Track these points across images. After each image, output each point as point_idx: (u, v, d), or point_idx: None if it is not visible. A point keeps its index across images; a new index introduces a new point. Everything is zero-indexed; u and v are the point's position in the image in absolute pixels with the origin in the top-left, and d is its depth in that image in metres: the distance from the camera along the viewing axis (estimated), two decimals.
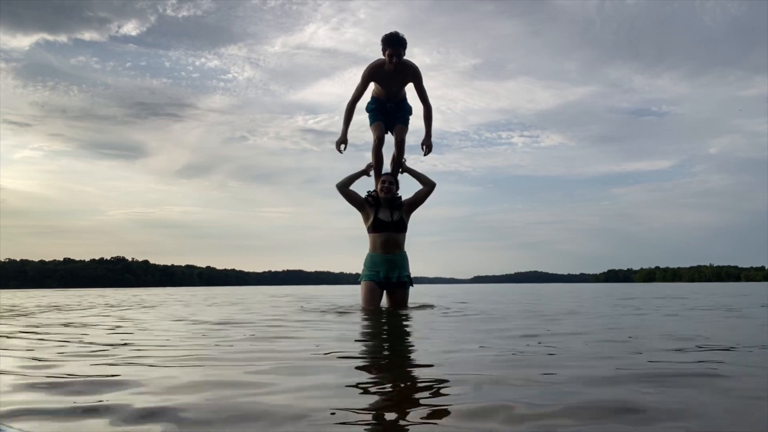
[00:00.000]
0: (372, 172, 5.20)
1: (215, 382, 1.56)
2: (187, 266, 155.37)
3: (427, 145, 5.11)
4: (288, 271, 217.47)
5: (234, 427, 1.12)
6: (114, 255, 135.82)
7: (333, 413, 1.20)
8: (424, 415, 1.19)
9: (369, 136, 5.17)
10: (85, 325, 3.64)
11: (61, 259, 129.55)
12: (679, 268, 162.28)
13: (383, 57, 4.81)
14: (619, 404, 1.26)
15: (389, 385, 1.55)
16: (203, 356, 2.09)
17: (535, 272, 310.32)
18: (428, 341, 2.59)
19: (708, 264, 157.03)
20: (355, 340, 2.66)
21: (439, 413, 1.20)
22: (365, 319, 3.98)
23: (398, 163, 5.15)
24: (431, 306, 5.47)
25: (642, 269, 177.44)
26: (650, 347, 2.22)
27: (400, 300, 4.99)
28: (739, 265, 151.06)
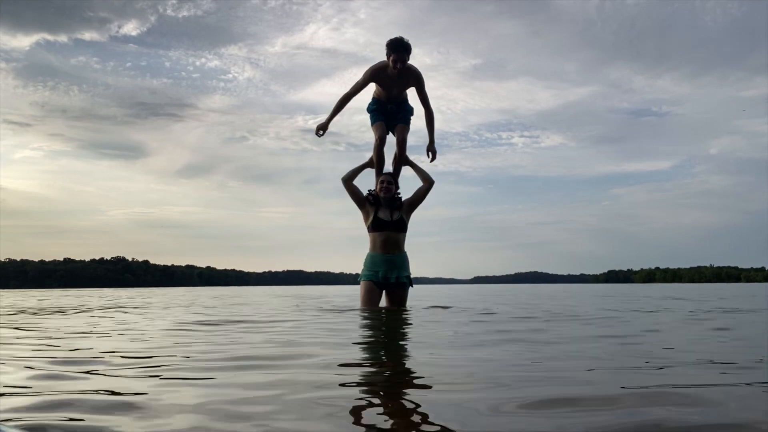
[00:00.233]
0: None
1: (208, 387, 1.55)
2: (187, 266, 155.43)
3: (431, 151, 5.15)
4: (288, 271, 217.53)
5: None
6: (114, 255, 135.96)
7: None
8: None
9: (369, 136, 5.17)
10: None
11: (62, 259, 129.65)
12: (679, 269, 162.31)
13: (387, 60, 4.82)
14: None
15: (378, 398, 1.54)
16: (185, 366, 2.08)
17: (535, 273, 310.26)
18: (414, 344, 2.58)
19: (708, 265, 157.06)
20: (354, 343, 2.66)
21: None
22: (363, 319, 3.97)
23: (400, 162, 5.15)
24: (443, 307, 5.45)
25: (642, 270, 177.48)
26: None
27: (398, 300, 4.97)
28: (740, 266, 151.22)
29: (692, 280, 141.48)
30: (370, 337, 2.86)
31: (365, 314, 4.37)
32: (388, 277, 4.91)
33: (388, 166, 5.18)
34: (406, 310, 4.75)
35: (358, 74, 5.02)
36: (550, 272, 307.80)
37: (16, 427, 1.11)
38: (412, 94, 5.15)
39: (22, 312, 5.44)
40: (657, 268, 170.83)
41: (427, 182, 5.09)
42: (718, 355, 2.05)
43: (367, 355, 2.15)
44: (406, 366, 1.90)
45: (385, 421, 1.17)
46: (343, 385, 1.51)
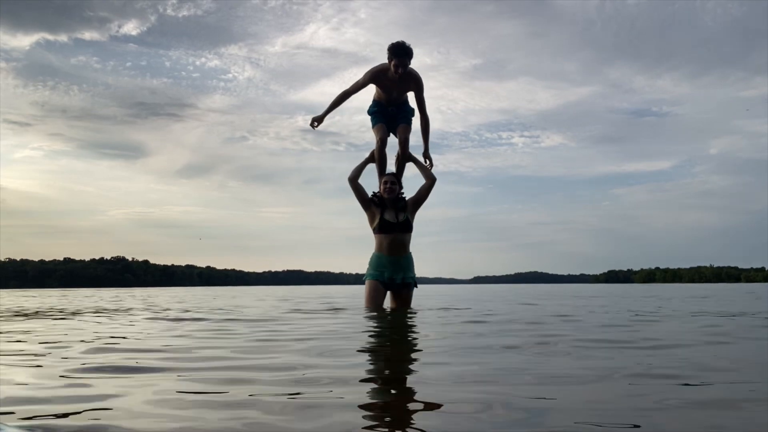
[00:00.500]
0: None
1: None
2: (187, 266, 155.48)
3: (428, 158, 5.19)
4: (288, 271, 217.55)
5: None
6: (114, 255, 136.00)
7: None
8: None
9: (370, 137, 5.18)
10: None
11: (61, 258, 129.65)
12: (679, 269, 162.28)
13: (388, 63, 4.83)
14: None
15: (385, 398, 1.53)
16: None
17: (535, 272, 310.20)
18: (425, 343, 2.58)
19: (708, 265, 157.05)
20: (361, 340, 2.65)
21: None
22: (369, 318, 3.97)
23: (403, 161, 5.16)
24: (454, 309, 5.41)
25: (642, 270, 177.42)
26: None
27: (403, 301, 4.98)
28: (740, 266, 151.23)
29: (692, 280, 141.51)
30: (374, 335, 2.85)
31: (369, 313, 4.36)
32: (394, 278, 4.90)
33: (391, 167, 5.19)
34: (412, 311, 4.75)
35: (358, 74, 5.04)
36: (550, 272, 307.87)
37: (16, 427, 1.11)
38: (411, 94, 5.16)
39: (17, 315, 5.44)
40: (657, 268, 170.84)
41: (430, 179, 5.09)
42: None
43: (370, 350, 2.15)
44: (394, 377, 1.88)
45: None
46: (363, 380, 1.51)
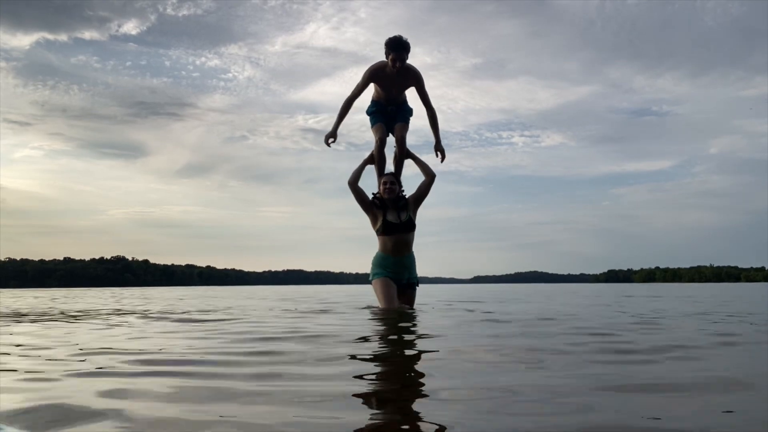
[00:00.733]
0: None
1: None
2: (187, 266, 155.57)
3: (440, 151, 5.11)
4: (288, 270, 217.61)
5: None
6: (114, 254, 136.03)
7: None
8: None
9: (369, 136, 5.17)
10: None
11: (62, 258, 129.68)
12: (679, 269, 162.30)
13: (385, 60, 4.82)
14: None
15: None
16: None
17: (535, 272, 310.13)
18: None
19: (708, 264, 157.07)
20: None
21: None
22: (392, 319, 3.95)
23: (401, 159, 5.14)
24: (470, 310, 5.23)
25: (642, 269, 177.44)
26: None
27: (408, 301, 4.96)
28: (739, 266, 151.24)
29: (692, 280, 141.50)
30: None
31: (385, 313, 4.35)
32: (400, 278, 4.89)
33: (389, 166, 5.18)
34: (414, 311, 4.74)
35: (358, 73, 5.02)
36: (550, 272, 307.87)
37: (17, 427, 1.12)
38: (411, 95, 5.15)
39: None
40: (657, 268, 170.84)
41: (429, 176, 5.06)
42: None
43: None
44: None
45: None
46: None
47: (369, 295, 8.40)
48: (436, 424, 1.12)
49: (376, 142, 5.04)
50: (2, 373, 1.75)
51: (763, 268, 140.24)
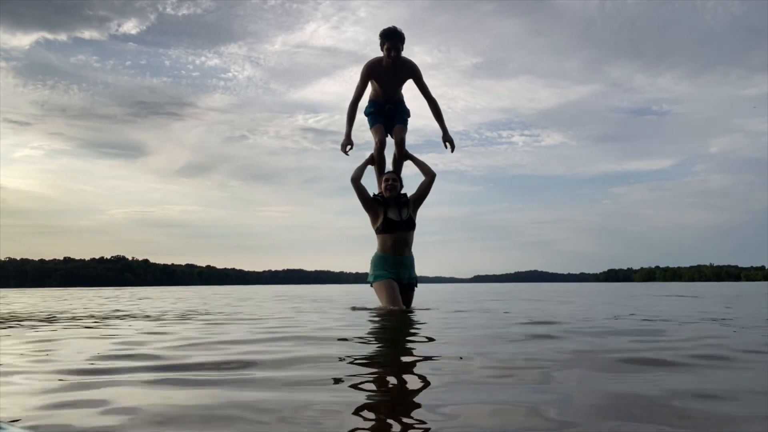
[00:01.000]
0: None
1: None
2: (188, 265, 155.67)
3: (449, 141, 5.05)
4: (288, 270, 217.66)
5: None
6: (114, 254, 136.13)
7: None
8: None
9: (369, 136, 5.17)
10: None
11: (62, 258, 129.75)
12: (679, 268, 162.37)
13: (381, 55, 4.82)
14: None
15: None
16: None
17: (535, 272, 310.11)
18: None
19: (708, 263, 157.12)
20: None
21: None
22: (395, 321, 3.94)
23: (400, 161, 5.13)
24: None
25: (642, 269, 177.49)
26: None
27: (408, 301, 4.95)
28: (739, 265, 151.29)
29: (692, 279, 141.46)
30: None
31: (388, 315, 4.33)
32: (400, 278, 4.87)
33: (388, 167, 5.17)
34: (413, 311, 4.71)
35: (358, 73, 5.00)
36: (550, 271, 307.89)
37: (18, 428, 1.11)
38: (408, 95, 5.16)
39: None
40: (657, 267, 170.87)
41: (429, 175, 5.05)
42: None
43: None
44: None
45: None
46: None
47: (369, 294, 8.38)
48: None
49: (376, 144, 5.03)
50: (2, 373, 1.74)
51: (763, 267, 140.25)
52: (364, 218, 5.04)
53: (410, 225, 4.89)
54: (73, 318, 4.44)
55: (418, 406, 1.29)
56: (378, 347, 2.37)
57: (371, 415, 1.21)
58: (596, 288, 22.40)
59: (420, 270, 5.06)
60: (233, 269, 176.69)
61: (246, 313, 4.78)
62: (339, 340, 2.57)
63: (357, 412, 1.23)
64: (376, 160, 5.08)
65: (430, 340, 2.56)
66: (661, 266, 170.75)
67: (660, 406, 1.25)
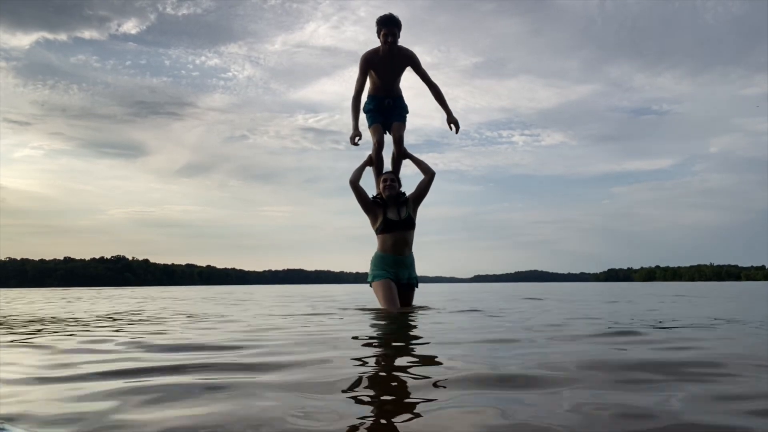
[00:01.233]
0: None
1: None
2: (188, 265, 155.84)
3: (453, 122, 5.03)
4: (288, 270, 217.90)
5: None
6: (114, 254, 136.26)
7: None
8: None
9: (368, 134, 5.14)
10: None
11: (62, 258, 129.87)
12: (679, 268, 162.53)
13: (376, 46, 4.83)
14: None
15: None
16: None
17: (535, 271, 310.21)
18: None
19: (708, 263, 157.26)
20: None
21: None
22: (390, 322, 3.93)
23: (399, 159, 5.11)
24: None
25: (642, 268, 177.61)
26: None
27: (408, 302, 4.94)
28: (740, 264, 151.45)
29: (692, 279, 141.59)
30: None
31: (388, 316, 4.32)
32: (400, 278, 4.85)
33: (387, 166, 5.16)
34: (413, 312, 4.69)
35: (357, 72, 5.00)
36: (550, 271, 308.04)
37: (18, 428, 1.11)
38: (407, 94, 5.15)
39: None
40: (657, 267, 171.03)
41: (428, 174, 5.04)
42: None
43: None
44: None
45: None
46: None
47: (369, 294, 8.37)
48: None
49: (374, 144, 5.02)
50: (3, 373, 1.74)
51: (763, 267, 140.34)
52: (364, 218, 5.04)
53: (410, 224, 4.88)
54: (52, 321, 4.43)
55: (415, 407, 1.28)
56: (373, 348, 2.36)
57: (370, 417, 1.20)
58: (596, 288, 22.38)
59: (420, 270, 5.05)
60: (233, 269, 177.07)
61: (235, 317, 4.77)
62: (335, 340, 2.56)
63: (354, 414, 1.22)
64: (374, 160, 5.07)
65: (428, 341, 2.54)
66: (661, 266, 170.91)
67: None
